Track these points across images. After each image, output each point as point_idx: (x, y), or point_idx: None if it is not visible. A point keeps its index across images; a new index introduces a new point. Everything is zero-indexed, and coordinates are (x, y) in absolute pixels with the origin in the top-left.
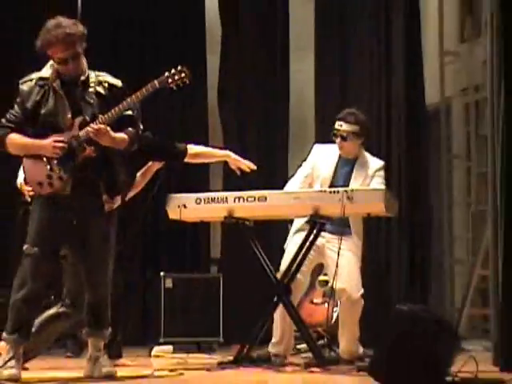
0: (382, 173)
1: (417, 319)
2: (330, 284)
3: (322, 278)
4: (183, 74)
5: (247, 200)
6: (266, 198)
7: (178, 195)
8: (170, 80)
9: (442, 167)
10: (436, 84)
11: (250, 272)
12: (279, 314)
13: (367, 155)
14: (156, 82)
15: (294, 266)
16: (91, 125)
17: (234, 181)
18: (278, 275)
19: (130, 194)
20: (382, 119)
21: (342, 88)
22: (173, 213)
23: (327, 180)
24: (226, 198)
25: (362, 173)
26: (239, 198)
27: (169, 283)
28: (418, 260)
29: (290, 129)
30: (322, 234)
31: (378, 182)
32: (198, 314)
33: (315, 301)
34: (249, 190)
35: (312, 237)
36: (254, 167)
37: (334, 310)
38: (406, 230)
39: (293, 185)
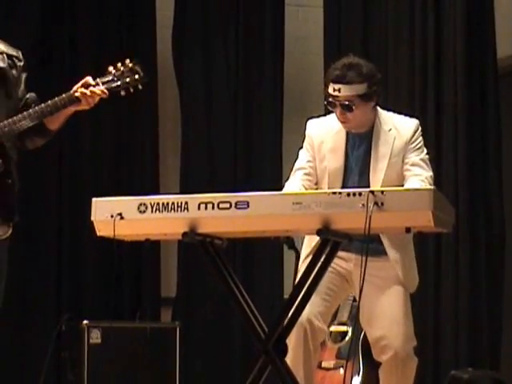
0: (419, 143)
1: None
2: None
3: (335, 328)
4: (136, 76)
5: (219, 207)
6: (247, 204)
7: (110, 199)
8: (115, 83)
9: None
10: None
11: (223, 319)
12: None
13: (385, 116)
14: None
15: (294, 306)
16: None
17: (199, 178)
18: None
19: None
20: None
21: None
22: (102, 226)
23: (338, 172)
24: (187, 203)
25: (385, 149)
26: (206, 204)
27: (95, 337)
28: (486, 299)
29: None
30: (346, 254)
31: (418, 166)
32: None
33: (324, 364)
34: (221, 191)
35: (321, 263)
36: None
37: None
38: (466, 253)
39: (292, 188)
